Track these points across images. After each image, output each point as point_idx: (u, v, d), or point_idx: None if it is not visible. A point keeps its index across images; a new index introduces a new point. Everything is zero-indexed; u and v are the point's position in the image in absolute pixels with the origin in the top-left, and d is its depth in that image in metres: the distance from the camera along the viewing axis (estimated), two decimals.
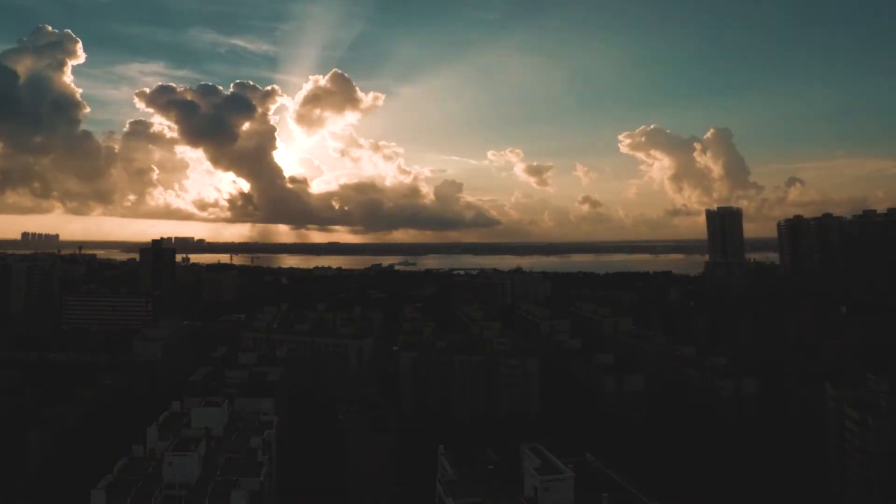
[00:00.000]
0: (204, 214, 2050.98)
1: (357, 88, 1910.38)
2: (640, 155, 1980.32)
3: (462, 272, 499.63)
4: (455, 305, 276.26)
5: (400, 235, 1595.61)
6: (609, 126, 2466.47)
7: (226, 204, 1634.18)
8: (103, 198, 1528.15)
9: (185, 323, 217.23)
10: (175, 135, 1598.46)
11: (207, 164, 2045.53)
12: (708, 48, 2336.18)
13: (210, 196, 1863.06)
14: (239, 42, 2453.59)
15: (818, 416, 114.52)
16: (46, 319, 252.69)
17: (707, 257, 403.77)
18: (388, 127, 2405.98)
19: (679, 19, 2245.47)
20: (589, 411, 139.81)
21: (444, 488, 64.09)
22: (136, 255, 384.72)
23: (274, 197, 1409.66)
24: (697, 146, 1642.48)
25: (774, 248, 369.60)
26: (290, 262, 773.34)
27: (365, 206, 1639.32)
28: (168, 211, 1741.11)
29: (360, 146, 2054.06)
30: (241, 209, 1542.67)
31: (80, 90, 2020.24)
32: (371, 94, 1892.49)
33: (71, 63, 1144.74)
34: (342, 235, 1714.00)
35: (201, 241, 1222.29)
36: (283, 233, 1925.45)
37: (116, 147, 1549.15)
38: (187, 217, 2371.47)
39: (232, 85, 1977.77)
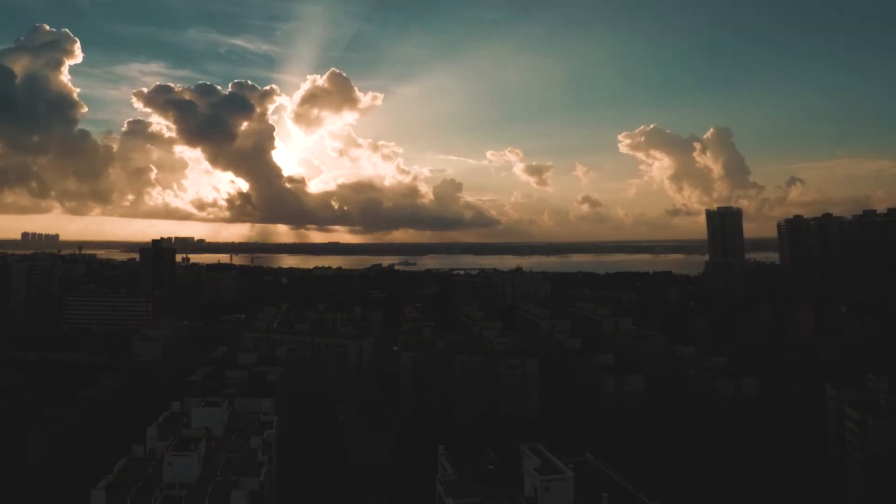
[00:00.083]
0: (202, 214, 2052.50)
1: (355, 88, 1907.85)
2: (640, 155, 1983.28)
3: (462, 272, 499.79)
4: (455, 305, 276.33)
5: (399, 235, 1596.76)
6: (608, 125, 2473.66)
7: (224, 204, 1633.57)
8: (102, 198, 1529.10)
9: (185, 323, 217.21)
10: (173, 134, 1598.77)
11: (206, 164, 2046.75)
12: (707, 47, 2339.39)
13: (209, 196, 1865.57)
14: (239, 42, 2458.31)
15: (818, 416, 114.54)
16: (46, 319, 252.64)
17: (707, 257, 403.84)
18: (386, 126, 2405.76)
19: (678, 18, 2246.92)
20: (589, 411, 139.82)
21: (444, 488, 64.09)
22: (136, 255, 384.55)
23: (272, 197, 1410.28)
24: (697, 146, 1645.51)
25: (774, 248, 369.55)
26: (289, 262, 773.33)
27: (364, 206, 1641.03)
28: (167, 211, 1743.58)
29: (358, 146, 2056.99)
30: (240, 209, 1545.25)
31: (80, 90, 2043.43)
32: (370, 94, 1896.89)
33: (68, 63, 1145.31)
34: (341, 235, 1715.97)
35: (201, 241, 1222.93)
36: (282, 233, 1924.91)
37: (115, 147, 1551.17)
38: (185, 217, 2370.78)
39: (230, 84, 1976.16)
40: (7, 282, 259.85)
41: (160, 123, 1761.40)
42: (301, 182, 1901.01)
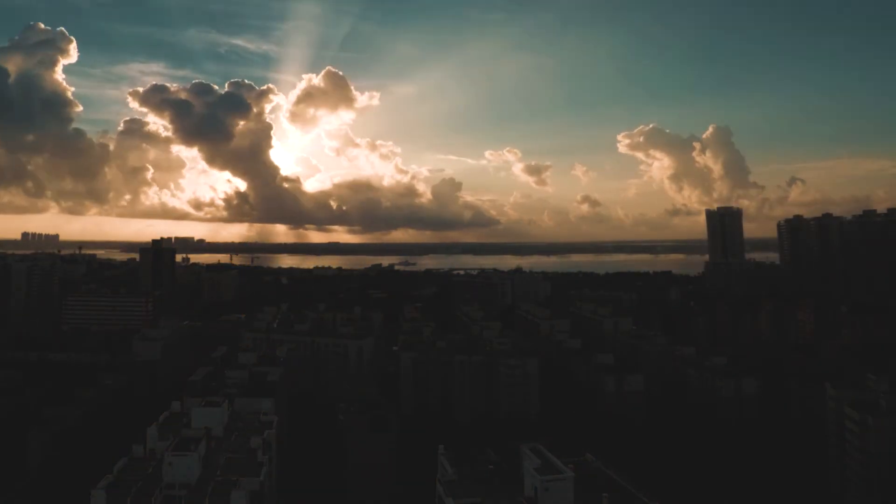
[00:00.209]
0: (200, 214, 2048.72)
1: (352, 87, 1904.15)
2: (640, 154, 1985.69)
3: (462, 272, 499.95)
4: (455, 305, 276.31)
5: (398, 235, 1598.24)
6: (607, 124, 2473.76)
7: (222, 203, 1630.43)
8: (98, 197, 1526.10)
9: (185, 323, 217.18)
10: (170, 134, 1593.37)
11: (203, 164, 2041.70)
12: (707, 47, 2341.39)
13: (206, 196, 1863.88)
14: (239, 42, 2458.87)
15: (818, 416, 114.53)
16: (46, 319, 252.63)
17: (707, 257, 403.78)
18: (384, 125, 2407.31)
19: (678, 17, 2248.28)
20: (589, 411, 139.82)
21: (444, 488, 64.09)
22: (136, 255, 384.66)
23: (270, 196, 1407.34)
24: (697, 145, 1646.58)
25: (774, 248, 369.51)
26: (288, 262, 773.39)
27: (363, 205, 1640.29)
28: (164, 210, 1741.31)
29: (356, 145, 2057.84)
30: (237, 209, 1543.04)
31: (81, 90, 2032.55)
32: (367, 93, 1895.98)
33: (63, 61, 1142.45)
34: (340, 235, 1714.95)
35: (201, 241, 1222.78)
36: (281, 233, 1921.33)
37: (111, 146, 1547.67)
38: (183, 216, 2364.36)
39: (227, 84, 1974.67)
40: (7, 282, 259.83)
41: (157, 123, 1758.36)
42: (299, 182, 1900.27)
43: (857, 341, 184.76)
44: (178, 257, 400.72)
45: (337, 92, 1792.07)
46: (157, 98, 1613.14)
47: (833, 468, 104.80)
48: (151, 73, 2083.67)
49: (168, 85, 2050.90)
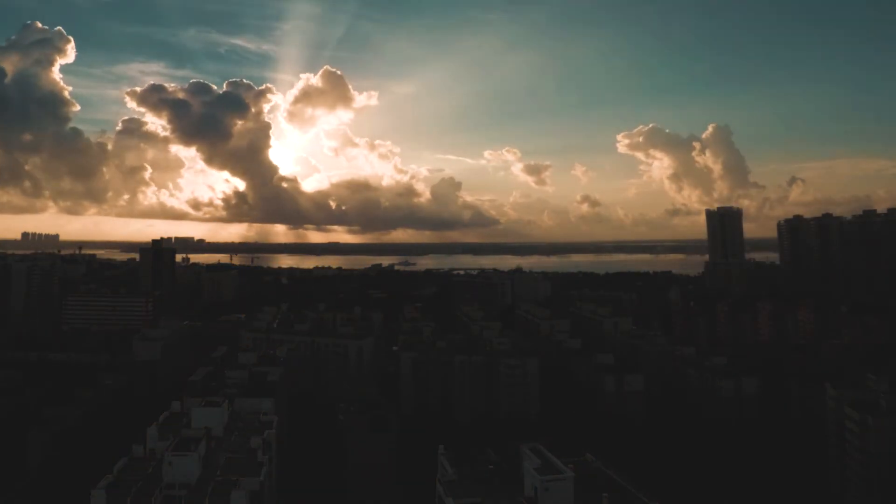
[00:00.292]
0: (199, 214, 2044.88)
1: (350, 87, 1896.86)
2: (639, 154, 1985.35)
3: (462, 272, 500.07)
4: (455, 305, 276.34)
5: (398, 235, 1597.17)
6: (607, 124, 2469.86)
7: (220, 203, 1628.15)
8: (96, 197, 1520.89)
9: (185, 323, 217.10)
10: (168, 133, 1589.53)
11: (201, 164, 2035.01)
12: (707, 46, 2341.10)
13: (204, 195, 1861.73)
14: (239, 42, 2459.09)
15: (818, 416, 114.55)
16: (46, 319, 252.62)
17: (707, 257, 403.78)
18: (382, 125, 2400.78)
19: (677, 16, 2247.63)
20: (589, 411, 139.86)
21: (444, 488, 64.10)
22: (136, 255, 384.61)
23: (269, 196, 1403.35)
24: (697, 145, 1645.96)
25: (774, 248, 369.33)
26: (287, 262, 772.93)
27: (362, 205, 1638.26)
28: (163, 210, 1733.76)
29: (355, 145, 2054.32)
30: (236, 208, 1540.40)
31: (81, 90, 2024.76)
32: (365, 92, 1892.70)
33: (61, 61, 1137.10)
34: (340, 235, 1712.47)
35: (201, 241, 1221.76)
36: (280, 233, 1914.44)
37: (109, 146, 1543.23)
38: (181, 216, 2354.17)
39: (225, 83, 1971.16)
40: (7, 282, 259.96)
41: (155, 123, 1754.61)
42: (297, 181, 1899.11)
43: (857, 341, 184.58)
44: (178, 257, 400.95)
45: (335, 91, 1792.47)
46: (154, 98, 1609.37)
47: (833, 468, 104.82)
48: (151, 73, 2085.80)
49: (166, 85, 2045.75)
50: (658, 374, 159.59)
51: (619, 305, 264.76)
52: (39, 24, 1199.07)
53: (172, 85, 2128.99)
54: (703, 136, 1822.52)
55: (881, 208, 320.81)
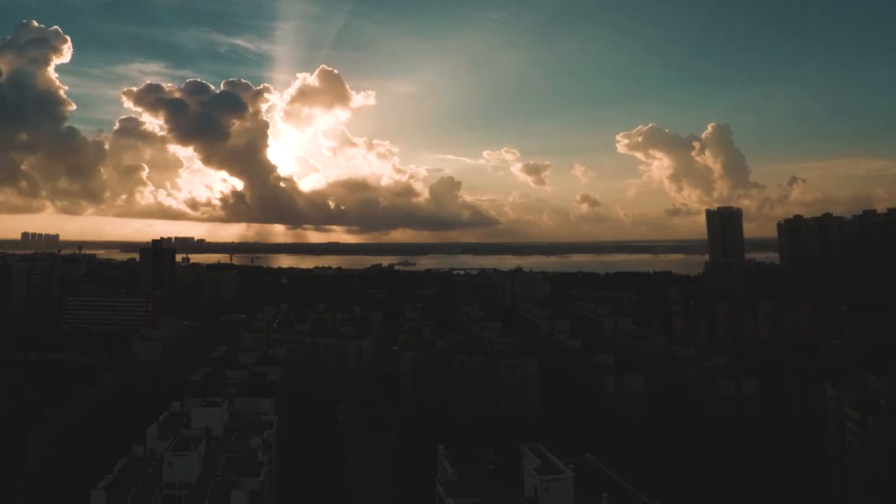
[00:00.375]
0: (197, 214, 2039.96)
1: (347, 86, 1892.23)
2: (639, 154, 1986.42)
3: (462, 272, 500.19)
4: (455, 305, 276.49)
5: (397, 235, 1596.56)
6: (606, 123, 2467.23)
7: (218, 203, 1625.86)
8: (94, 196, 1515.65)
9: (185, 323, 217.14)
10: (165, 133, 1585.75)
11: (199, 163, 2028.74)
12: (707, 46, 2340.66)
13: (202, 195, 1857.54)
14: (239, 42, 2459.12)
15: (818, 416, 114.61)
16: (46, 319, 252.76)
17: (707, 257, 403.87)
18: (381, 125, 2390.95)
19: (676, 15, 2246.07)
20: (589, 411, 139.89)
21: (444, 488, 64.10)
22: (136, 255, 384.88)
23: (267, 196, 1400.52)
24: (696, 145, 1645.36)
25: (774, 248, 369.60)
26: (287, 262, 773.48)
27: (361, 205, 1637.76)
28: (161, 210, 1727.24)
29: (353, 144, 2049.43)
30: (234, 208, 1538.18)
31: (79, 90, 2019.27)
32: (363, 92, 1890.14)
33: (57, 60, 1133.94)
34: (339, 235, 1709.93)
35: (201, 241, 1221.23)
36: (279, 233, 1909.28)
37: (106, 145, 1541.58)
38: (179, 216, 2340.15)
39: (223, 83, 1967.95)
40: (7, 282, 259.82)
41: (152, 122, 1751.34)
42: (295, 181, 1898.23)
43: (857, 341, 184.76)
44: (178, 257, 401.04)
45: (332, 91, 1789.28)
46: (151, 97, 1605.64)
47: (833, 468, 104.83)
48: (151, 72, 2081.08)
49: (163, 84, 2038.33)
50: (658, 374, 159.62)
51: (619, 305, 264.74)
52: (35, 23, 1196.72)
53: (170, 85, 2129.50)
54: (703, 135, 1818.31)
55: (881, 208, 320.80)
